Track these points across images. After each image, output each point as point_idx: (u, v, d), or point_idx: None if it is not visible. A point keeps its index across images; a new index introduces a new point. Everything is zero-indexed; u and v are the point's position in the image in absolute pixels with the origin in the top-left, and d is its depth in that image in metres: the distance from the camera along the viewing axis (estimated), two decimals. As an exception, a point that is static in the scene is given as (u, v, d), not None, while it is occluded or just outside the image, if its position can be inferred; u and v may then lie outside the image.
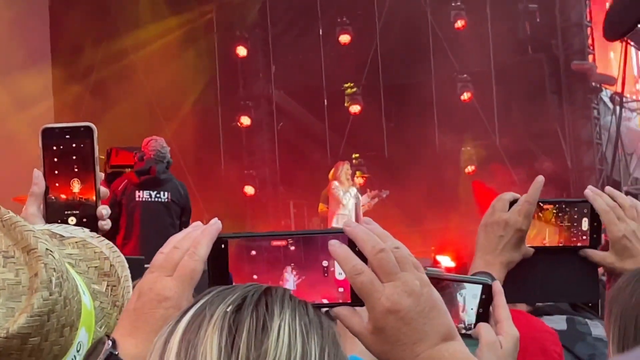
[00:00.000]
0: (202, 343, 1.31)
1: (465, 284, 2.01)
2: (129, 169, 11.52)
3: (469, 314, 1.98)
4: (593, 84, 18.14)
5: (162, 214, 10.54)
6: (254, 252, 1.64)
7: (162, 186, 10.71)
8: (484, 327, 1.95)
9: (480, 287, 1.99)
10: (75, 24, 17.69)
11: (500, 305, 1.99)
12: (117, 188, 10.61)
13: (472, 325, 1.97)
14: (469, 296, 1.99)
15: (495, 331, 1.95)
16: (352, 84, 18.60)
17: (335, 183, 14.66)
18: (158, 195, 10.66)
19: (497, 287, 2.00)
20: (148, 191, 10.66)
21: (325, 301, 1.63)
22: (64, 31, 17.89)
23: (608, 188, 2.73)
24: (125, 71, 17.83)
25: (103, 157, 12.59)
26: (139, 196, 10.65)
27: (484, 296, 1.99)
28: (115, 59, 17.83)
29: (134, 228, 10.48)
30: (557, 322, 3.36)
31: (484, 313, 1.99)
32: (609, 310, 2.38)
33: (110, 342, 1.55)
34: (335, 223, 13.95)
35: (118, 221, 10.52)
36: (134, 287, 1.65)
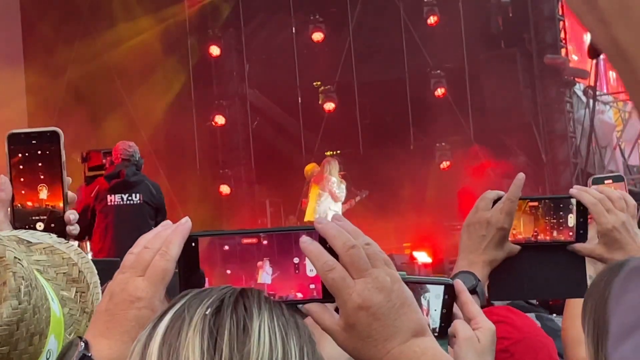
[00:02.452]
0: (183, 346, 1.31)
1: (428, 286, 2.01)
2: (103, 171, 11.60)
3: (433, 316, 1.98)
4: (566, 77, 18.20)
5: (135, 216, 10.51)
6: (226, 247, 1.64)
7: (133, 188, 10.68)
8: (460, 324, 1.95)
9: (442, 287, 2.00)
10: (48, 25, 17.59)
11: (468, 302, 1.99)
12: (89, 194, 10.66)
13: (437, 327, 1.98)
14: (433, 298, 2.00)
15: (471, 327, 1.95)
16: (320, 82, 18.59)
17: (333, 179, 14.74)
18: (130, 198, 10.64)
19: (460, 286, 2.00)
20: (119, 194, 10.63)
21: (296, 298, 1.63)
22: (36, 32, 17.78)
23: (594, 185, 2.74)
24: (99, 72, 17.74)
25: (78, 160, 12.59)
26: (111, 200, 10.62)
27: (446, 296, 1.99)
28: (88, 60, 17.75)
29: (108, 232, 10.48)
30: None
31: (448, 313, 1.99)
32: (584, 304, 2.39)
33: (83, 344, 1.54)
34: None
35: (91, 227, 10.59)
36: (105, 288, 1.64)
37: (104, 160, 11.44)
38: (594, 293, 2.36)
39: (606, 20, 0.86)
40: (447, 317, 1.98)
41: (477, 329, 1.94)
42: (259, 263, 1.63)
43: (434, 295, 2.00)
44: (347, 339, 1.56)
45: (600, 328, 2.30)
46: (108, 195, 10.61)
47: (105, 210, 10.57)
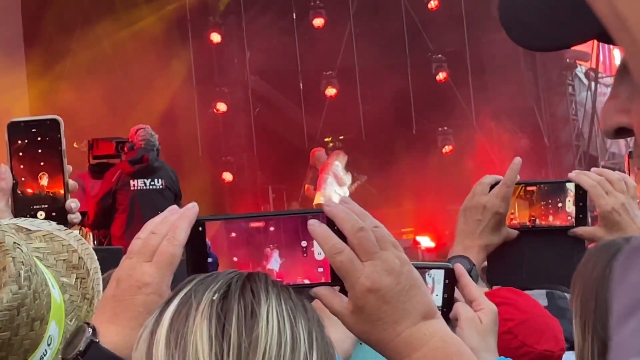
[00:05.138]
0: (191, 332, 1.31)
1: (429, 271, 2.00)
2: (114, 159, 11.71)
3: (436, 300, 1.98)
4: (568, 60, 18.18)
5: (158, 201, 10.55)
6: (232, 235, 1.64)
7: (155, 173, 10.78)
8: (461, 306, 1.96)
9: (442, 272, 1.99)
10: (48, 13, 17.57)
11: (469, 284, 1.99)
12: (111, 179, 10.73)
13: (439, 310, 1.97)
14: (435, 281, 2.00)
15: (473, 309, 1.96)
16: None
17: (337, 162, 14.82)
18: (153, 183, 10.73)
19: (460, 270, 2.01)
20: (142, 179, 10.72)
21: (306, 281, 1.62)
22: (36, 20, 17.75)
23: (594, 168, 2.73)
24: (99, 59, 17.72)
25: (85, 150, 12.61)
26: (133, 185, 10.69)
27: (447, 281, 1.99)
28: (88, 48, 17.71)
29: (135, 217, 10.50)
30: (538, 297, 3.35)
31: (449, 298, 1.99)
32: (572, 284, 2.38)
33: (90, 330, 1.54)
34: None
35: (113, 212, 10.65)
36: (110, 275, 1.63)
37: (119, 149, 11.54)
38: (582, 273, 2.36)
39: None
40: (448, 301, 1.99)
41: (478, 310, 1.95)
42: (267, 250, 1.62)
43: (435, 280, 1.99)
44: (356, 322, 1.56)
45: (587, 309, 2.30)
46: (131, 180, 10.69)
47: (129, 195, 10.63)
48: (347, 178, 15.13)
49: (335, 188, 14.67)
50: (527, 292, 3.34)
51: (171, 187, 10.85)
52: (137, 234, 1.64)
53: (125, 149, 11.32)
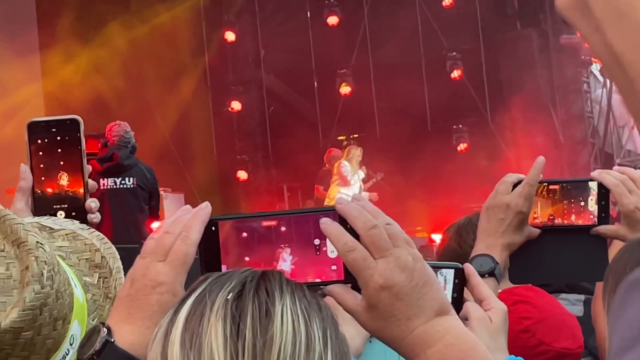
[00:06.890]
0: (206, 332, 1.32)
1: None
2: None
3: None
4: (583, 57, 18.12)
5: (129, 200, 10.36)
6: (245, 234, 1.64)
7: (126, 172, 10.53)
8: (471, 305, 1.96)
9: (452, 271, 2.00)
10: (63, 12, 17.57)
11: (479, 283, 2.00)
12: None
13: None
14: (446, 281, 2.00)
15: (482, 309, 1.96)
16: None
17: (345, 162, 14.85)
18: (123, 182, 10.49)
19: (469, 269, 2.01)
20: (112, 178, 10.49)
21: (318, 280, 1.63)
22: (51, 19, 17.76)
23: (616, 167, 2.72)
24: (114, 58, 17.71)
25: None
26: (103, 184, 10.45)
27: (456, 280, 2.00)
28: (103, 46, 17.73)
29: (104, 217, 10.27)
30: (574, 305, 3.31)
31: (458, 298, 1.99)
32: (605, 280, 2.37)
33: (105, 330, 1.55)
34: None
35: None
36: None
37: (99, 145, 11.17)
38: (616, 269, 2.34)
39: (601, 28, 0.85)
40: (458, 301, 1.99)
41: (488, 310, 1.95)
42: (279, 249, 1.63)
43: (446, 280, 2.00)
44: (370, 320, 1.56)
45: None
46: (100, 179, 10.39)
47: (98, 195, 10.35)
48: (358, 176, 15.06)
49: (340, 188, 14.65)
50: (562, 295, 3.32)
51: (144, 186, 10.58)
52: (151, 234, 1.65)
53: (100, 145, 11.07)
